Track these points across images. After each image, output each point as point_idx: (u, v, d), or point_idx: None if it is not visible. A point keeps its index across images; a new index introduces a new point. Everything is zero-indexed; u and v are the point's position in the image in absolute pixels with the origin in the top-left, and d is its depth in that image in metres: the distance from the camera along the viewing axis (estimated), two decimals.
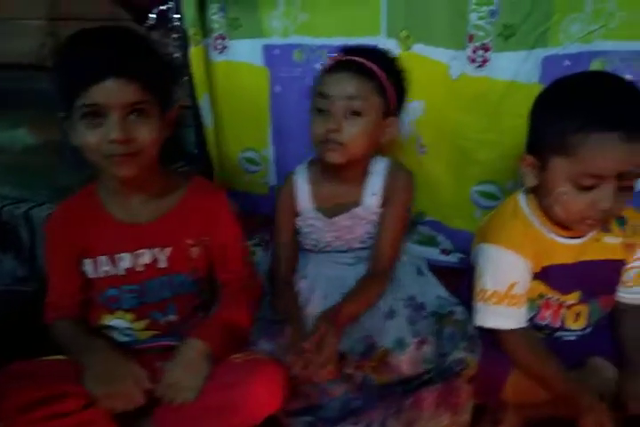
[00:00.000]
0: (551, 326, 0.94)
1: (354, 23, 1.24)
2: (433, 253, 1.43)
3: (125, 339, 0.92)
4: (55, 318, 0.91)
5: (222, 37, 1.41)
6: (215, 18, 1.38)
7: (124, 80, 0.77)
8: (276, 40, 1.35)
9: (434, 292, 1.08)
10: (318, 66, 1.26)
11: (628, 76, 1.04)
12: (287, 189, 1.08)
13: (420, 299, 1.02)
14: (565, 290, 0.92)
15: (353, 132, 0.95)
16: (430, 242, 1.44)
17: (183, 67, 1.42)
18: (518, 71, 1.10)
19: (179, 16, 1.35)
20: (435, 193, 1.35)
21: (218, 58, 1.44)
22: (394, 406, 0.87)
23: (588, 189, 0.78)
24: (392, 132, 1.02)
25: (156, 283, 0.90)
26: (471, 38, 1.11)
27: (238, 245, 0.97)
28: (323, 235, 1.05)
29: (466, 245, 1.14)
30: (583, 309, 0.93)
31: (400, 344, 0.92)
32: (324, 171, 1.04)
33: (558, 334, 0.95)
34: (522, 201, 0.93)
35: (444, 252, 1.43)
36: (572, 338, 0.96)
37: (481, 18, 1.08)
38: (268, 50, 1.37)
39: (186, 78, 1.43)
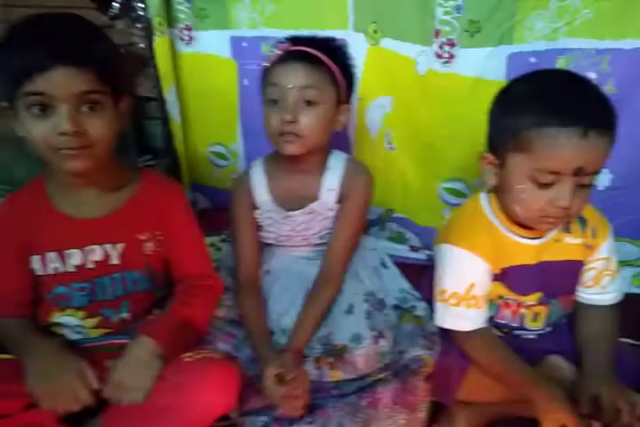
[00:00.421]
0: (510, 325, 0.94)
1: (322, 16, 1.23)
2: (402, 250, 1.43)
3: (76, 337, 0.89)
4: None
5: (189, 28, 1.38)
6: (181, 8, 1.35)
7: (74, 69, 0.74)
8: (244, 32, 1.32)
9: (397, 285, 1.08)
10: None
11: (593, 75, 1.05)
12: (243, 183, 1.06)
13: (381, 295, 1.02)
14: (525, 292, 0.91)
15: (310, 123, 0.93)
16: (399, 239, 1.44)
17: (148, 57, 1.38)
18: (484, 68, 1.09)
19: (143, 5, 1.32)
20: (404, 190, 1.35)
21: (185, 49, 1.41)
22: (350, 405, 0.86)
23: (547, 186, 0.77)
24: (344, 120, 1.01)
25: (107, 280, 0.88)
26: (437, 34, 1.10)
27: (194, 241, 0.95)
28: (281, 227, 1.04)
29: None
30: (542, 309, 0.93)
31: (357, 339, 0.91)
32: (281, 163, 1.03)
33: (517, 332, 0.95)
34: (483, 201, 0.92)
35: (413, 249, 1.43)
36: (532, 336, 0.96)
37: (447, 13, 1.07)
38: (235, 42, 1.35)
39: (151, 69, 1.40)
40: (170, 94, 1.41)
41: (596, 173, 0.78)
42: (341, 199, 1.03)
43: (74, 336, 0.89)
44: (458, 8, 1.06)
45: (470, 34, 1.07)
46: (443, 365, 0.90)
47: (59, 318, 0.88)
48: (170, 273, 0.94)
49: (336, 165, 1.03)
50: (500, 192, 0.87)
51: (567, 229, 0.91)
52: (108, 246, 0.87)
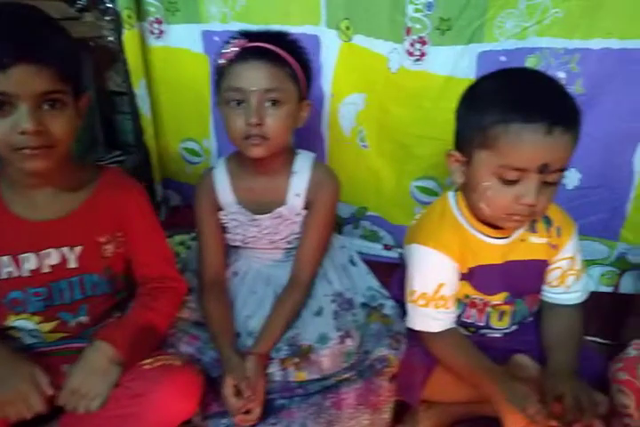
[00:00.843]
0: (476, 325, 0.95)
1: (294, 12, 1.21)
2: (376, 249, 1.43)
3: (32, 341, 0.87)
4: None
5: (159, 22, 1.35)
6: (151, 1, 1.32)
7: (35, 67, 0.71)
8: (215, 26, 1.30)
9: (365, 283, 1.07)
10: None
11: (562, 74, 1.05)
12: (206, 184, 1.03)
13: (349, 294, 1.01)
14: (491, 291, 0.91)
15: (276, 124, 0.91)
16: (373, 237, 1.44)
17: (117, 51, 1.35)
18: (455, 66, 1.09)
19: None
20: (377, 188, 1.34)
21: (155, 43, 1.38)
22: (314, 405, 0.86)
23: (512, 183, 0.77)
24: (306, 116, 0.99)
25: (65, 284, 0.85)
26: (409, 31, 1.09)
27: (156, 242, 0.93)
28: (248, 229, 1.02)
29: None
30: (508, 308, 0.93)
31: (323, 339, 0.91)
32: (245, 164, 1.00)
33: (483, 331, 0.96)
34: (451, 200, 0.92)
35: (387, 247, 1.43)
36: (498, 335, 0.96)
37: (417, 10, 1.06)
38: (207, 36, 1.32)
39: (121, 64, 1.36)
40: (140, 89, 1.38)
41: (562, 170, 0.78)
42: (308, 205, 1.01)
43: (29, 340, 0.87)
44: (429, 6, 1.05)
45: (441, 32, 1.06)
46: (408, 364, 0.90)
47: (13, 322, 0.85)
48: (132, 275, 0.92)
49: (302, 168, 1.01)
50: (467, 190, 0.86)
51: (532, 229, 0.91)
52: (65, 250, 0.85)
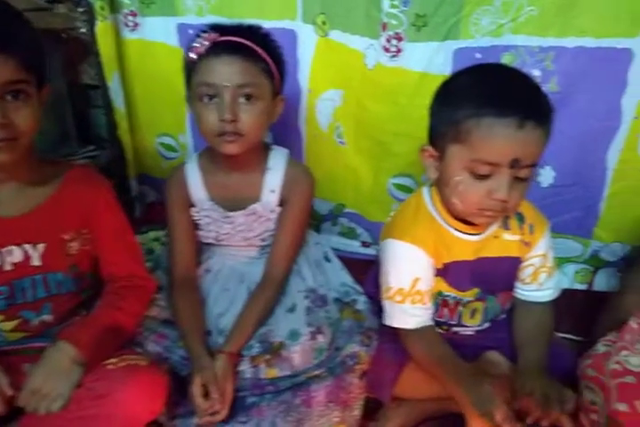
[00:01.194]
0: (449, 323, 0.95)
1: (270, 6, 1.19)
2: (354, 246, 1.43)
3: None
4: None
5: (133, 14, 1.32)
6: None
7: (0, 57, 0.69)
8: (191, 19, 1.27)
9: (339, 279, 1.07)
10: None
11: (537, 72, 1.05)
12: (177, 179, 1.01)
13: (323, 291, 1.00)
14: (464, 287, 0.91)
15: (251, 121, 0.89)
16: (351, 234, 1.43)
17: (90, 43, 1.32)
18: (431, 63, 1.08)
19: None
20: (354, 185, 1.34)
21: (130, 36, 1.35)
22: (284, 403, 0.85)
23: (484, 177, 0.77)
24: (279, 112, 0.98)
25: (28, 282, 0.83)
26: (385, 27, 1.08)
27: (123, 240, 0.91)
28: (221, 226, 1.01)
29: None
30: (479, 306, 0.93)
31: (294, 335, 0.90)
32: (218, 160, 0.99)
33: (456, 329, 0.96)
34: (425, 196, 0.91)
35: (365, 244, 1.42)
36: (470, 333, 0.96)
37: (393, 6, 1.05)
38: (182, 29, 1.30)
39: (94, 56, 1.33)
40: (113, 82, 1.35)
41: (533, 166, 0.78)
42: (282, 201, 1.00)
43: None
44: (404, 1, 1.04)
45: (417, 28, 1.06)
46: (379, 361, 0.90)
47: None
48: (99, 273, 0.90)
49: (277, 165, 1.00)
50: (440, 186, 0.86)
51: (505, 226, 0.91)
52: (27, 247, 0.82)
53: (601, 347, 0.80)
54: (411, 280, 0.87)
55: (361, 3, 1.09)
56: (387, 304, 0.90)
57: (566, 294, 1.11)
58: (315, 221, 1.44)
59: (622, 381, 0.71)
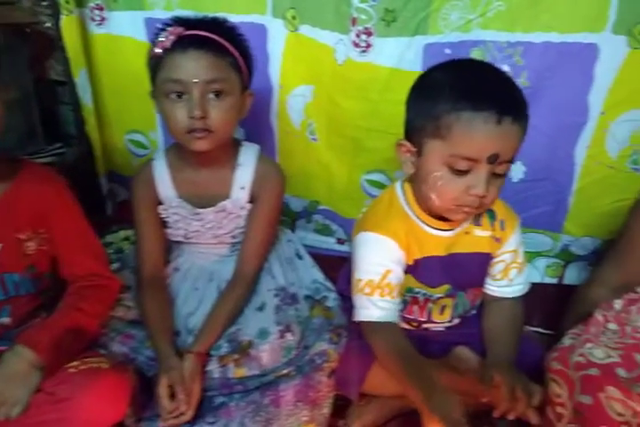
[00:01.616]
0: (419, 320, 0.95)
1: (239, 0, 1.17)
2: (329, 243, 1.42)
3: None
4: None
5: (100, 8, 1.29)
6: None
7: None
8: (159, 14, 1.25)
9: (310, 276, 1.06)
10: None
11: (506, 67, 1.05)
12: (144, 177, 0.99)
13: (293, 289, 0.99)
14: (434, 283, 0.91)
15: (221, 117, 0.87)
16: (326, 231, 1.42)
17: (56, 38, 1.29)
18: (401, 58, 1.08)
19: None
20: (328, 182, 1.33)
21: (97, 30, 1.32)
22: (253, 403, 0.84)
23: (462, 173, 0.77)
24: (248, 107, 0.96)
25: None
26: (354, 22, 1.07)
27: (83, 239, 0.88)
28: (190, 223, 0.99)
29: None
30: (449, 302, 0.93)
31: (263, 334, 0.89)
32: (186, 156, 0.97)
33: (426, 325, 0.96)
34: (398, 191, 0.91)
35: (340, 241, 1.42)
36: (441, 329, 0.97)
37: (363, 1, 1.04)
38: (150, 24, 1.27)
39: (60, 51, 1.30)
40: (80, 78, 1.32)
41: (510, 162, 0.78)
42: (253, 198, 0.98)
43: None
44: None
45: (386, 23, 1.05)
46: (347, 358, 0.89)
47: None
48: (59, 273, 0.88)
49: (247, 161, 0.98)
50: (416, 181, 0.85)
51: (477, 222, 0.91)
52: None
53: (567, 340, 0.80)
54: (382, 272, 0.85)
55: None
56: (356, 298, 0.88)
57: (537, 288, 1.12)
58: (289, 218, 1.43)
59: (586, 373, 0.71)
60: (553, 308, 1.15)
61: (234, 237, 1.01)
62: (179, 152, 0.98)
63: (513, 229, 0.93)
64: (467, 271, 0.92)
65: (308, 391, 0.84)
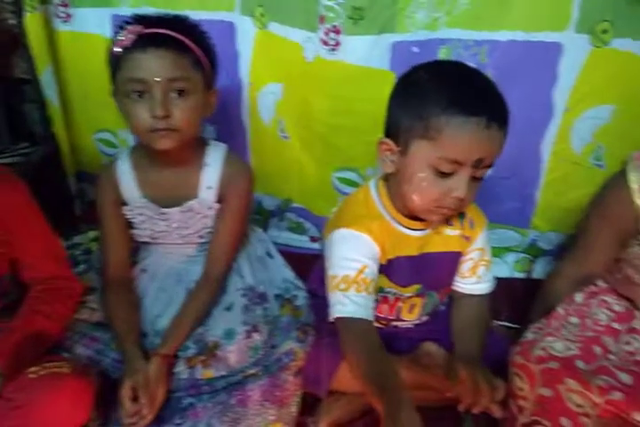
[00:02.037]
0: (388, 318, 0.95)
1: None
2: (302, 241, 1.42)
3: None
4: None
5: (65, 5, 1.26)
6: None
7: None
8: (126, 10, 1.23)
9: (281, 275, 1.06)
10: None
11: (472, 65, 1.06)
12: (108, 177, 0.98)
13: (262, 288, 0.99)
14: (405, 283, 0.91)
15: (184, 115, 0.86)
16: (299, 229, 1.42)
17: (21, 35, 1.26)
18: (369, 56, 1.08)
19: None
20: (300, 179, 1.33)
21: (62, 27, 1.29)
22: (220, 404, 0.84)
23: (446, 176, 0.77)
24: (213, 105, 0.95)
25: None
26: (323, 19, 1.07)
27: (42, 241, 0.87)
28: (156, 223, 0.98)
29: None
30: (418, 301, 0.94)
31: (229, 335, 0.89)
32: (151, 156, 0.95)
33: (395, 323, 0.96)
34: (372, 190, 0.90)
35: (313, 239, 1.42)
36: (410, 326, 0.97)
37: None
38: (117, 21, 1.25)
39: (25, 49, 1.27)
40: (45, 76, 1.30)
41: (490, 166, 0.79)
42: (221, 198, 0.98)
43: None
44: None
45: (354, 21, 1.05)
46: (315, 356, 0.89)
47: None
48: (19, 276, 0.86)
49: (215, 160, 0.97)
50: (395, 180, 0.85)
51: (447, 221, 0.92)
52: None
53: (529, 334, 0.82)
54: (358, 267, 0.84)
55: None
56: (331, 295, 0.86)
57: (505, 283, 1.14)
58: (262, 216, 1.42)
59: (546, 366, 0.73)
60: (521, 302, 1.17)
61: (201, 237, 1.00)
62: (143, 152, 0.97)
63: (482, 228, 0.93)
64: (437, 271, 0.93)
65: (274, 391, 0.84)
